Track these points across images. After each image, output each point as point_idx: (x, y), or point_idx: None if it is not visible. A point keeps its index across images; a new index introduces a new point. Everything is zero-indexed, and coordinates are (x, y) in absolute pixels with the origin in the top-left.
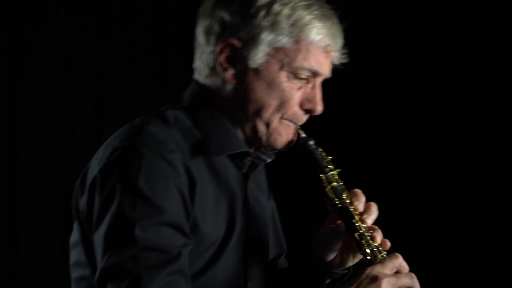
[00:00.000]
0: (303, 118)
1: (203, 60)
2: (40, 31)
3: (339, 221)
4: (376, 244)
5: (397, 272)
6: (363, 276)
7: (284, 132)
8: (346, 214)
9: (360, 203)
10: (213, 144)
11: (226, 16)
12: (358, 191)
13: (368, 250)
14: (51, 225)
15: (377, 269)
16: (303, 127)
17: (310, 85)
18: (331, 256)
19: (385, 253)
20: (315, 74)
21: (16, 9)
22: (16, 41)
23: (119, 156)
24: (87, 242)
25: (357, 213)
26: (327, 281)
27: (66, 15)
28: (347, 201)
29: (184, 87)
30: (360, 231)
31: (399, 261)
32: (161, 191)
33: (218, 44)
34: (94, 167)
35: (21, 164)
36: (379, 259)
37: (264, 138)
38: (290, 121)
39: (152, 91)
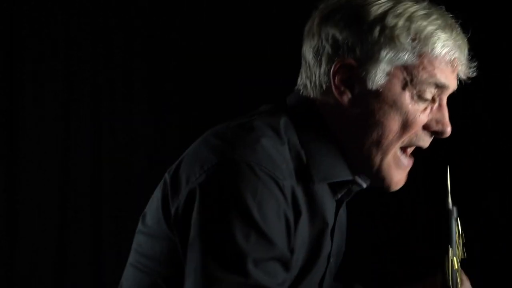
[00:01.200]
0: (428, 141)
1: (313, 81)
2: (38, 31)
3: None
4: None
5: None
6: None
7: (399, 170)
8: None
9: None
10: (318, 170)
11: (337, 34)
12: (465, 278)
13: None
14: (47, 226)
15: None
16: None
17: (435, 105)
18: None
19: None
20: (442, 88)
21: (15, 11)
22: (16, 41)
23: (232, 172)
24: (169, 246)
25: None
26: None
27: (64, 15)
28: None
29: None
30: None
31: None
32: (272, 222)
33: (331, 64)
34: (194, 168)
35: (18, 165)
36: None
37: (376, 172)
38: (412, 145)
39: (151, 93)
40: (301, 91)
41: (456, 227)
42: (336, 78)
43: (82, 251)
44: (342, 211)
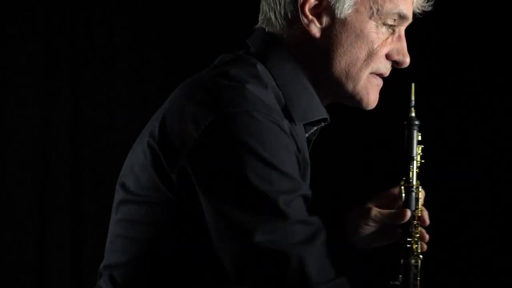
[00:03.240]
0: (389, 69)
1: (279, 11)
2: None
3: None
4: (418, 251)
5: None
6: None
7: (372, 92)
8: (415, 203)
9: (423, 196)
10: (297, 111)
11: None
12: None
13: (414, 243)
14: (25, 224)
15: None
16: None
17: (395, 36)
18: (364, 232)
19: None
20: (403, 18)
21: None
22: None
23: (233, 124)
24: (175, 206)
25: (422, 203)
26: None
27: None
28: (420, 191)
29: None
30: (415, 222)
31: None
32: (287, 160)
33: None
34: (187, 128)
35: None
36: (418, 255)
37: (349, 97)
38: (379, 73)
39: (132, 88)
40: (265, 29)
41: (417, 136)
42: (304, 6)
43: (62, 249)
44: None
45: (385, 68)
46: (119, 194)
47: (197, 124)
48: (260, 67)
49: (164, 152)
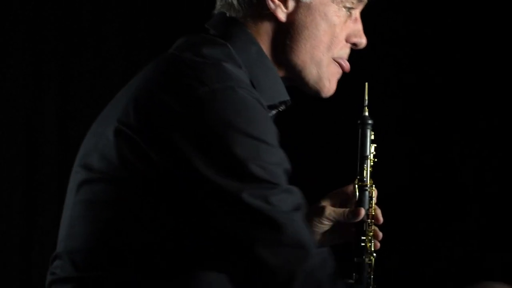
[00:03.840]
0: (348, 53)
1: None
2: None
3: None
4: (371, 249)
5: None
6: None
7: (333, 78)
8: (369, 201)
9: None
10: (263, 92)
11: None
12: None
13: (368, 241)
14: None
15: None
16: None
17: (352, 18)
18: (319, 231)
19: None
20: (360, 2)
21: None
22: None
23: (215, 99)
24: (149, 182)
25: (375, 202)
26: None
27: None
28: (374, 190)
29: None
30: (369, 221)
31: None
32: (272, 134)
33: None
34: (167, 106)
35: None
36: (372, 253)
37: (311, 82)
38: (340, 58)
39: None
40: (226, 13)
41: (370, 135)
42: None
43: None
44: None
45: (345, 53)
46: (80, 175)
47: (180, 99)
48: (227, 46)
49: (141, 131)
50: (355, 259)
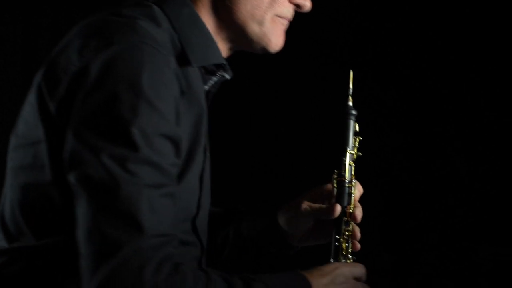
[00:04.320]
0: (292, 13)
1: None
2: None
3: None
4: (348, 250)
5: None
6: (338, 272)
7: (278, 33)
8: (348, 198)
9: (358, 192)
10: (193, 52)
11: None
12: (357, 182)
13: (345, 242)
14: None
15: (347, 270)
16: None
17: None
18: (296, 229)
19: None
20: None
21: None
22: None
23: (120, 52)
24: (54, 142)
25: (357, 199)
26: (273, 250)
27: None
28: (353, 186)
29: None
30: (347, 228)
31: (363, 272)
32: (164, 97)
33: None
34: (70, 59)
35: None
36: (348, 255)
37: (255, 39)
38: (282, 17)
39: None
40: None
41: (354, 127)
42: None
43: None
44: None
45: (289, 12)
46: (11, 144)
47: (80, 54)
48: (156, 9)
49: (47, 85)
50: (331, 261)
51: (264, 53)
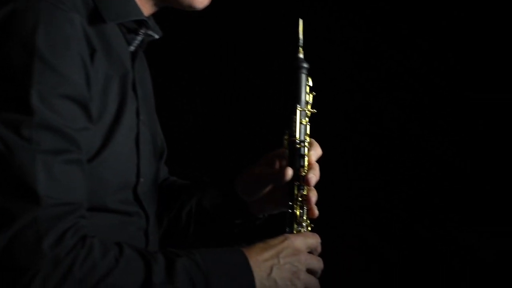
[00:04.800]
0: None
1: None
2: None
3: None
4: (303, 218)
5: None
6: (284, 244)
7: None
8: (299, 159)
9: (315, 156)
10: (108, 9)
11: None
12: (316, 143)
13: (298, 207)
14: None
15: (298, 242)
16: None
17: None
18: (254, 197)
19: (309, 221)
20: None
21: None
22: None
23: (15, 10)
24: None
25: (306, 164)
26: (237, 221)
27: None
28: (306, 146)
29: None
30: (300, 193)
31: (318, 242)
32: (64, 56)
33: None
34: None
35: None
36: (303, 222)
37: None
38: None
39: None
40: None
41: (306, 81)
42: None
43: None
44: (141, 65)
45: None
46: None
47: None
48: None
49: None
50: (286, 230)
51: (191, 10)
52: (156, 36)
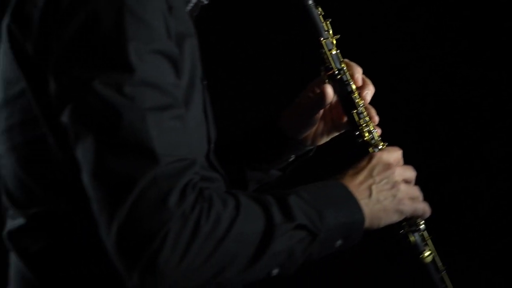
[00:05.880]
0: None
1: None
2: None
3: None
4: (372, 126)
5: None
6: (374, 161)
7: None
8: (346, 87)
9: (359, 75)
10: None
11: None
12: (353, 63)
13: (366, 131)
14: None
15: (385, 157)
16: None
17: None
18: (305, 132)
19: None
20: None
21: None
22: None
23: None
24: (39, 87)
25: (355, 87)
26: (291, 158)
27: None
28: (346, 72)
29: None
30: (359, 109)
31: (400, 154)
32: (152, 11)
33: None
34: None
35: None
36: (378, 143)
37: None
38: None
39: None
40: None
41: (317, 12)
42: None
43: None
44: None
45: None
46: None
47: None
48: None
49: (19, 26)
50: (359, 140)
51: None
52: (205, 1)
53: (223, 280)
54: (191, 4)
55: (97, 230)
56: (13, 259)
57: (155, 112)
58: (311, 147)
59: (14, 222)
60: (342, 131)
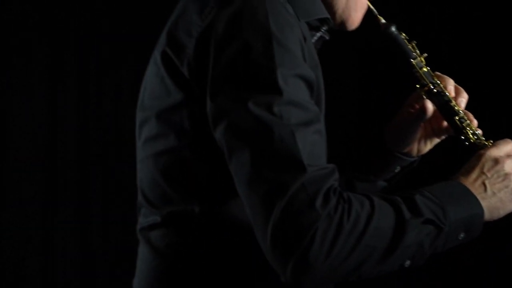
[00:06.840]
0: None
1: None
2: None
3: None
4: (474, 128)
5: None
6: (483, 160)
7: (359, 8)
8: (443, 98)
9: (452, 87)
10: (299, 7)
11: None
12: (444, 75)
13: (471, 134)
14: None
15: (494, 153)
16: None
17: None
18: (408, 145)
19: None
20: None
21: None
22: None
23: (242, 4)
24: (193, 105)
25: (452, 97)
26: (397, 169)
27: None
28: (440, 84)
29: None
30: (460, 114)
31: (511, 146)
32: (292, 41)
33: None
34: (191, 18)
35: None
36: (484, 142)
37: (339, 12)
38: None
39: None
40: None
41: (402, 37)
42: None
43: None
44: None
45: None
46: (138, 118)
47: (201, 14)
48: None
49: (174, 52)
50: (466, 143)
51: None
52: (327, 37)
53: (363, 271)
54: (315, 38)
55: (221, 228)
56: (143, 252)
57: (301, 127)
58: (416, 158)
59: (147, 219)
60: (443, 137)
